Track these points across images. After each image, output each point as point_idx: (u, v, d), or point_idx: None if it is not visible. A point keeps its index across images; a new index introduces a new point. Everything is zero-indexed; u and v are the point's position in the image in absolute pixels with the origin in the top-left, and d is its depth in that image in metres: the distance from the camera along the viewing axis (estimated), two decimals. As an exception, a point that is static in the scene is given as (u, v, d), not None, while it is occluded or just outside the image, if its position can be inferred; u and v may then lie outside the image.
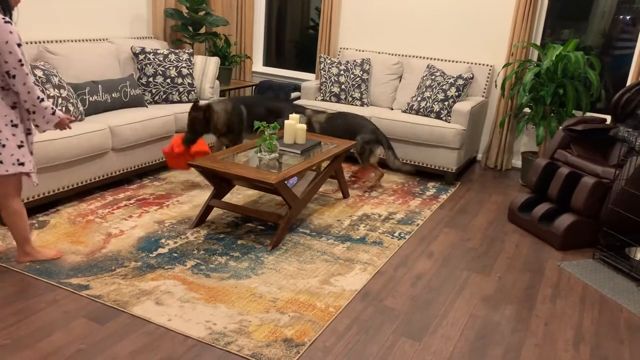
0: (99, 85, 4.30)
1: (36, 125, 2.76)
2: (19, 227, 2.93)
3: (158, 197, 4.11)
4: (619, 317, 3.00)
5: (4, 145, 2.68)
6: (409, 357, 2.51)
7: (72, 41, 4.60)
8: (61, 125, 2.83)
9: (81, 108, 4.04)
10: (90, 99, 4.20)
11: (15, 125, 2.71)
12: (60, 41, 4.50)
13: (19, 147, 2.73)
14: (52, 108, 2.73)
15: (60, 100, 3.81)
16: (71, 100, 3.91)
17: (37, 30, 4.45)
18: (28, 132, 2.81)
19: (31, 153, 2.83)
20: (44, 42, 4.33)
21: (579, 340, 2.76)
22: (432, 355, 2.54)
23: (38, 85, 3.63)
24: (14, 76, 2.58)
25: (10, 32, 2.54)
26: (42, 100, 2.68)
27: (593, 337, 2.79)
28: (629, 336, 2.83)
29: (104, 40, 4.91)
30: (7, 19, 2.57)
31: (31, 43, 4.23)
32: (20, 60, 2.57)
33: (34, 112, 2.70)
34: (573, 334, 2.80)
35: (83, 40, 4.73)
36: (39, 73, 3.73)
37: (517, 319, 2.90)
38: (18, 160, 2.73)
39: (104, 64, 4.61)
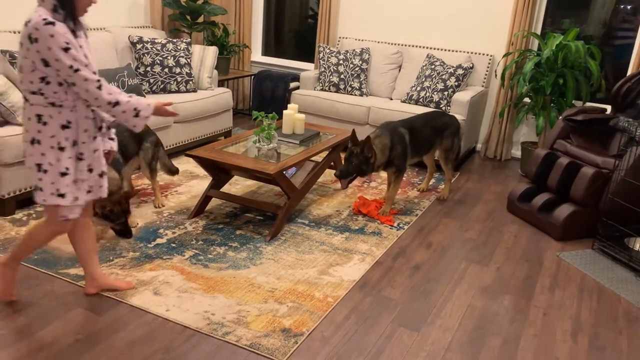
0: (97, 75, 4.27)
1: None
2: (26, 246, 2.52)
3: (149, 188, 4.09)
4: (618, 307, 3.01)
5: (45, 171, 2.26)
6: (407, 347, 2.51)
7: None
8: (161, 114, 2.49)
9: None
10: (88, 88, 4.17)
11: (62, 149, 2.27)
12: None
13: (62, 175, 2.29)
14: (135, 110, 2.30)
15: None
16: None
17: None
18: (79, 158, 2.34)
19: (75, 182, 2.36)
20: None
21: (577, 330, 2.76)
22: (431, 345, 2.54)
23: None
24: (73, 84, 2.19)
25: (52, 36, 2.09)
26: (117, 104, 2.26)
27: (591, 327, 2.80)
28: (627, 326, 2.83)
29: (101, 29, 4.87)
30: (50, 19, 2.10)
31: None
32: (72, 67, 2.14)
33: (114, 117, 2.33)
34: (571, 324, 2.80)
35: (80, 30, 4.69)
36: (35, 62, 3.70)
37: (516, 310, 2.90)
38: (58, 190, 2.29)
39: (101, 53, 4.58)
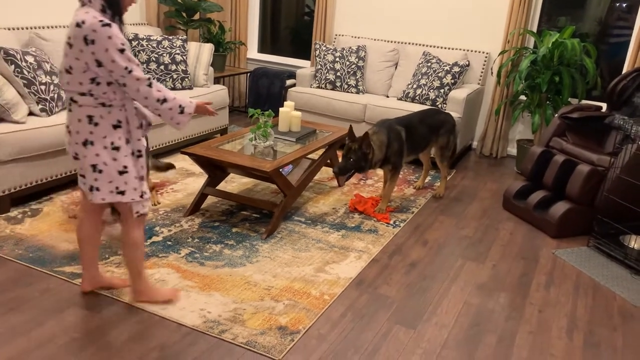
0: (92, 72, 4.25)
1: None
2: (138, 256, 2.54)
3: (152, 185, 4.08)
4: (613, 304, 3.02)
5: (100, 171, 2.29)
6: (403, 345, 2.51)
7: (63, 27, 4.54)
8: (203, 113, 2.53)
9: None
10: (83, 85, 4.15)
11: (117, 148, 2.30)
12: (52, 27, 4.44)
13: (121, 173, 2.32)
14: (180, 107, 2.35)
15: (52, 87, 3.77)
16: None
17: (28, 16, 4.39)
18: (139, 155, 2.39)
19: (141, 178, 2.41)
20: (35, 28, 4.27)
21: (573, 327, 2.77)
22: (427, 342, 2.55)
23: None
24: (124, 84, 2.21)
25: (109, 37, 2.11)
26: (165, 101, 2.30)
27: (586, 324, 2.81)
28: (622, 323, 2.84)
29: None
30: (106, 21, 2.13)
31: (22, 29, 4.17)
32: (126, 68, 2.17)
33: (159, 115, 2.35)
34: (567, 322, 2.81)
35: (75, 26, 4.67)
36: (30, 59, 3.69)
37: (511, 307, 2.90)
38: (117, 188, 2.33)
39: (97, 50, 4.55)
